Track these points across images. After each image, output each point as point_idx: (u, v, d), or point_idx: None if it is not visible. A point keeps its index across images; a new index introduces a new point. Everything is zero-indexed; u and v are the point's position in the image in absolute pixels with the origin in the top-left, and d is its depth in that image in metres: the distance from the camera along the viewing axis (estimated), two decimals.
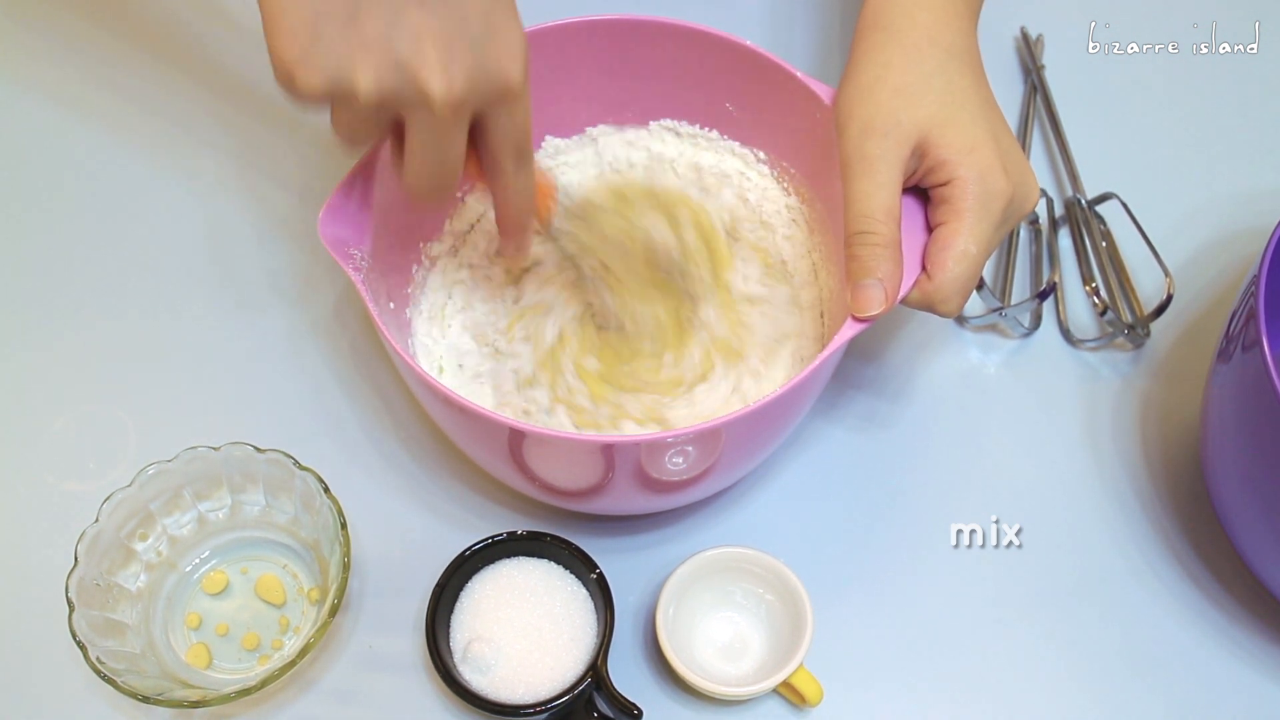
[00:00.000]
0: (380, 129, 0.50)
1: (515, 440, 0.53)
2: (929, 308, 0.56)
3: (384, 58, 0.46)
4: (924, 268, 0.55)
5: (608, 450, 0.52)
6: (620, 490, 0.56)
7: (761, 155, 0.67)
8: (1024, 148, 0.77)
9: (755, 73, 0.63)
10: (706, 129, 0.68)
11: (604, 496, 0.58)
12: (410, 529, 0.64)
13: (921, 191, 0.57)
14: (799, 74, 0.61)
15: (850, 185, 0.54)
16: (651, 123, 0.69)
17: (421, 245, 0.65)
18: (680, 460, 0.53)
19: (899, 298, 0.54)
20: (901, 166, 0.54)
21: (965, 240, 0.54)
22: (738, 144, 0.67)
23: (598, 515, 0.64)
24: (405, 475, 0.66)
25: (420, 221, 0.65)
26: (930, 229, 0.56)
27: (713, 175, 0.68)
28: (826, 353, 0.53)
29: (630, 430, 0.59)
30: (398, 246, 0.63)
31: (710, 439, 0.52)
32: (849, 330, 0.53)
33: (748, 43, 0.62)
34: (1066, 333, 0.71)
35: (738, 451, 0.57)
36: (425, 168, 0.50)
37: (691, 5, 0.72)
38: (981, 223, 0.54)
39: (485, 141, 0.51)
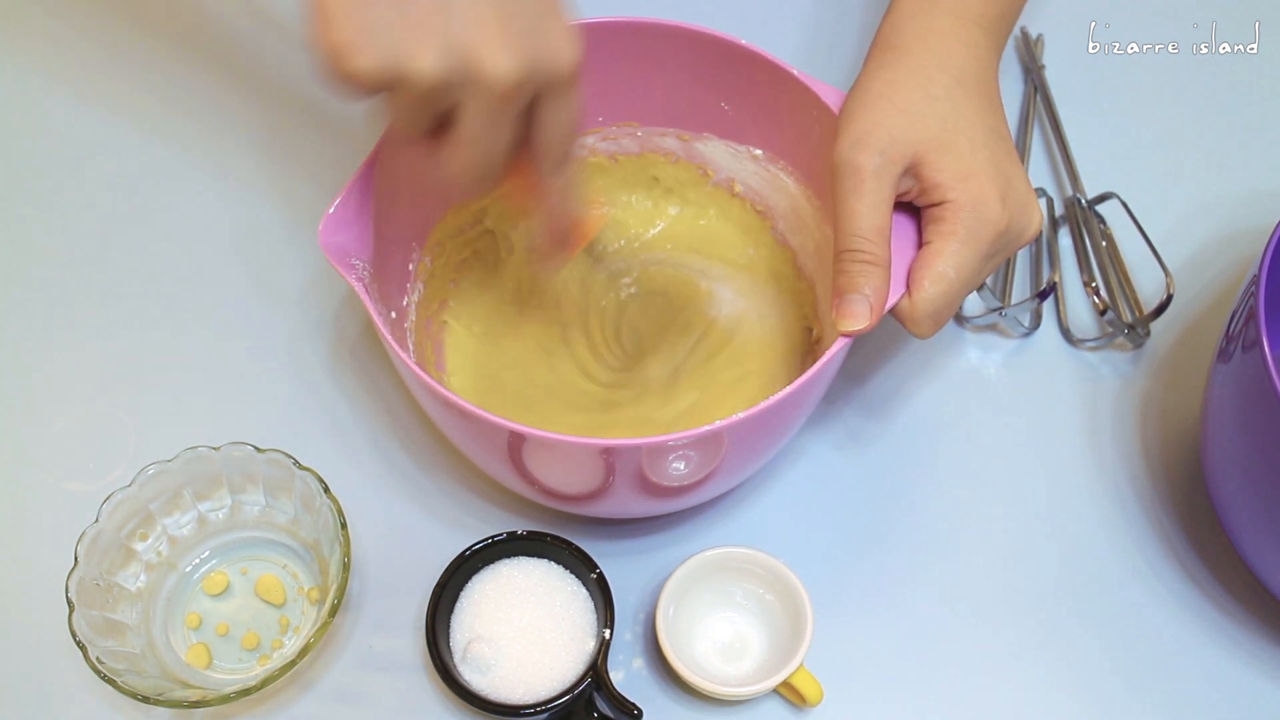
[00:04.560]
0: (431, 118, 0.48)
1: (515, 443, 0.53)
2: (903, 325, 0.55)
3: (442, 39, 0.44)
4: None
5: (608, 454, 0.52)
6: (621, 494, 0.56)
7: (758, 153, 0.67)
8: (1024, 148, 0.77)
9: (750, 71, 0.63)
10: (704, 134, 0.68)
11: (605, 500, 0.58)
12: (410, 529, 0.64)
13: (917, 209, 0.56)
14: (795, 71, 0.61)
15: (841, 200, 0.54)
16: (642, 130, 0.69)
17: (417, 253, 0.65)
18: (681, 465, 0.53)
19: (882, 315, 0.53)
20: (893, 185, 0.54)
21: (945, 263, 0.53)
22: (733, 142, 0.67)
23: (598, 518, 0.64)
24: (405, 475, 0.66)
25: (416, 230, 0.65)
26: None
27: (710, 168, 0.69)
28: (820, 364, 0.53)
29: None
30: (396, 256, 0.63)
31: (712, 443, 0.52)
32: (837, 345, 0.53)
33: (742, 41, 0.62)
34: (1066, 332, 0.71)
35: (739, 456, 0.57)
36: (474, 155, 0.48)
37: (685, 5, 0.73)
38: (966, 248, 0.53)
39: (533, 134, 0.50)
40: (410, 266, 0.65)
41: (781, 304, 0.68)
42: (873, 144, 0.53)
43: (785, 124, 0.64)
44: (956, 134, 0.54)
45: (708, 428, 0.50)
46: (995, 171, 0.54)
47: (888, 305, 0.53)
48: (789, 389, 0.52)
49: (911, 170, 0.54)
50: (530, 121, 0.49)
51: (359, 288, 0.55)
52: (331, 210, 0.56)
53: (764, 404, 0.51)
